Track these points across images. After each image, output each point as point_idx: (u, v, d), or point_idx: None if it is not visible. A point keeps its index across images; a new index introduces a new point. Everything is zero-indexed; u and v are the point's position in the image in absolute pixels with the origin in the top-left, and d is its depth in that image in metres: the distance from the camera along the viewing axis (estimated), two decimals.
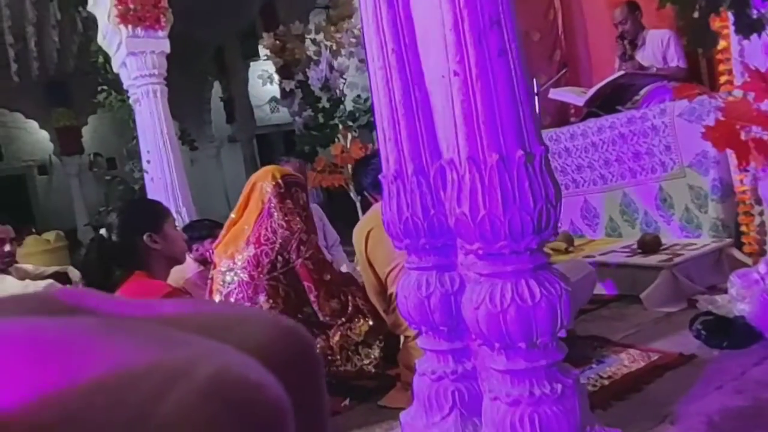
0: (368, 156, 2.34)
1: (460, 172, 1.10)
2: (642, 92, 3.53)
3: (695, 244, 2.65)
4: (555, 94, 3.84)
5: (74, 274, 3.39)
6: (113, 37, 4.43)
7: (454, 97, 1.08)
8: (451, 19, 1.04)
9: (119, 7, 4.09)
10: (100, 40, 4.77)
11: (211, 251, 2.50)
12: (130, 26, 4.15)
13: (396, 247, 1.40)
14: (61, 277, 3.31)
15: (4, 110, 10.68)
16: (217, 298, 2.26)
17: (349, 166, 4.86)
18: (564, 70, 4.53)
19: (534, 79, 3.45)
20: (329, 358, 2.16)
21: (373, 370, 2.17)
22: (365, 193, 2.25)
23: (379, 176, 1.40)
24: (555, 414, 1.12)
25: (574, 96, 3.70)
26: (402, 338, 2.01)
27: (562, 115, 4.67)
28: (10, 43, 7.52)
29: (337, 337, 2.19)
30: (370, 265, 2.00)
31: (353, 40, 5.09)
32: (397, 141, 1.32)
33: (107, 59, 5.14)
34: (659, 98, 3.33)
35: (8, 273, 3.08)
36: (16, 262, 3.24)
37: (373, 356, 2.19)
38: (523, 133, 1.06)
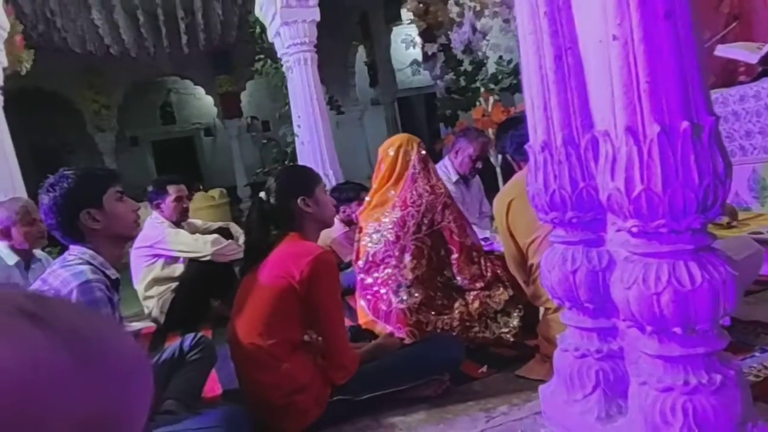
0: (514, 118, 2.25)
1: (615, 145, 1.04)
2: None
3: None
4: (722, 50, 3.39)
5: (235, 229, 3.77)
6: (269, 8, 4.72)
7: (612, 64, 1.01)
8: None
9: None
10: (257, 11, 5.11)
11: (356, 213, 2.63)
12: None
13: (541, 221, 1.37)
14: (224, 232, 3.70)
15: (177, 78, 11.90)
16: (363, 259, 2.38)
17: (491, 131, 4.75)
18: (733, 24, 3.97)
19: None
20: (467, 324, 2.19)
21: (511, 339, 2.16)
22: (507, 157, 2.19)
23: (525, 146, 1.37)
24: (712, 406, 1.04)
25: (746, 53, 3.24)
26: (542, 309, 1.97)
27: (729, 73, 4.11)
28: (181, 17, 8.32)
29: (476, 304, 2.21)
30: (511, 235, 1.97)
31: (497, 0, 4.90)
32: (546, 109, 1.27)
33: (263, 29, 5.50)
34: None
35: (182, 227, 3.51)
36: (188, 217, 3.68)
37: (511, 325, 2.19)
38: (689, 102, 0.96)
